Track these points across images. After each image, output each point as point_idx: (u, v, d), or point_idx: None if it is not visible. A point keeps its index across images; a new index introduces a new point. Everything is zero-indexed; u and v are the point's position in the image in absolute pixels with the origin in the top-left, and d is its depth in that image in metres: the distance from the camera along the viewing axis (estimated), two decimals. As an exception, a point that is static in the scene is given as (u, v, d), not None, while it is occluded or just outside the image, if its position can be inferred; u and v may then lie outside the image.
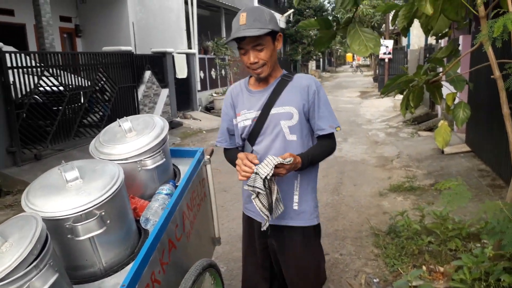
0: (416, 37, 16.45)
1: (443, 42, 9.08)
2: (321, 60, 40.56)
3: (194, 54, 12.09)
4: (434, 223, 3.45)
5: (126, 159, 1.75)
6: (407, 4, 3.31)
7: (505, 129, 2.47)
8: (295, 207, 1.83)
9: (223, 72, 14.53)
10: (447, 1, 2.65)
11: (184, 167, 2.06)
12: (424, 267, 3.10)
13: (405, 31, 3.45)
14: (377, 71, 21.69)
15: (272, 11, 1.77)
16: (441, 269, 3.04)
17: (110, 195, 1.41)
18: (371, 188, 5.25)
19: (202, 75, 12.96)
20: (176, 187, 1.87)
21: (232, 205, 4.72)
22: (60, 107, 6.54)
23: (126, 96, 8.69)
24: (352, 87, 23.01)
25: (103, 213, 1.40)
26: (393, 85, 3.29)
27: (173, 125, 10.32)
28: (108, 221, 1.42)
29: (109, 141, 1.82)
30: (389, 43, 16.89)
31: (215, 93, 13.19)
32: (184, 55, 11.32)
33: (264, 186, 1.57)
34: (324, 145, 1.81)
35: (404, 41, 19.73)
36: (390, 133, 9.04)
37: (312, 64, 34.87)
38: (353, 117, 11.71)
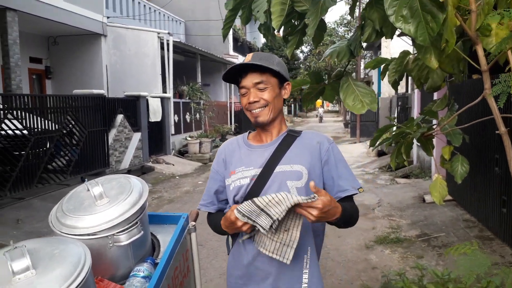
0: (387, 86, 16.84)
1: (416, 92, 9.24)
2: (292, 105, 41.39)
3: (169, 98, 11.88)
4: (434, 283, 3.19)
5: (94, 233, 1.42)
6: (397, 58, 3.23)
7: (492, 181, 2.30)
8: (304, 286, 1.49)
9: (198, 116, 14.34)
10: (444, 54, 2.54)
11: (165, 237, 1.74)
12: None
13: (396, 85, 3.36)
14: (347, 117, 22.07)
15: (282, 61, 1.61)
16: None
17: (71, 291, 1.08)
18: (356, 240, 4.99)
19: (176, 118, 12.70)
20: (155, 265, 1.54)
21: (209, 262, 4.34)
22: (23, 152, 6.07)
23: (96, 140, 8.29)
24: (324, 132, 23.21)
25: (61, 316, 1.06)
26: (384, 137, 3.15)
27: (144, 170, 9.89)
28: (68, 325, 1.08)
29: (74, 210, 1.49)
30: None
31: (189, 136, 12.91)
32: (159, 99, 11.09)
33: (271, 226, 1.29)
34: (352, 207, 1.51)
35: (375, 88, 20.29)
36: (367, 179, 8.93)
37: (284, 110, 35.67)
38: (330, 162, 11.60)
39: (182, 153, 12.41)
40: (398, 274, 3.32)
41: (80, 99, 7.84)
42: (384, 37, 2.64)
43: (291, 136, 1.58)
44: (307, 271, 1.49)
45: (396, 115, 12.14)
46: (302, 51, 29.95)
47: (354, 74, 23.45)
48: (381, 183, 8.45)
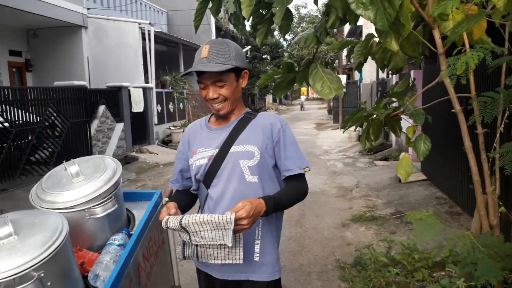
0: (368, 72, 17.10)
1: (394, 77, 9.47)
2: (277, 92, 41.50)
3: (151, 88, 11.90)
4: (401, 253, 3.42)
5: (72, 207, 1.56)
6: (363, 41, 3.39)
7: (460, 158, 2.49)
8: (256, 258, 1.60)
9: (181, 105, 14.38)
10: (405, 38, 2.70)
11: (140, 212, 1.89)
12: (392, 301, 3.03)
13: (360, 67, 3.52)
14: (331, 104, 22.34)
15: (239, 48, 1.63)
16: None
17: (50, 253, 1.23)
18: (333, 219, 5.21)
19: (159, 108, 12.73)
20: (130, 236, 1.69)
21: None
22: (5, 144, 6.11)
23: (78, 132, 8.33)
24: (307, 119, 23.53)
25: (42, 275, 1.20)
26: (352, 119, 3.31)
27: (128, 160, 9.96)
28: (49, 283, 1.23)
29: (52, 187, 1.63)
30: (343, 77, 17.52)
31: (173, 126, 12.98)
32: (141, 90, 11.10)
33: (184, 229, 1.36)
34: (293, 188, 1.60)
35: (356, 75, 20.51)
36: (347, 163, 9.16)
37: (269, 98, 35.67)
38: (311, 148, 11.83)
39: (166, 142, 12.49)
40: (367, 247, 3.54)
41: (61, 91, 7.86)
42: (348, 23, 2.79)
43: (247, 118, 1.66)
44: (258, 241, 1.59)
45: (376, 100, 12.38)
46: (285, 39, 29.98)
47: (336, 61, 23.66)
48: (360, 166, 8.69)
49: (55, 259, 1.25)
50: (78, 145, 8.33)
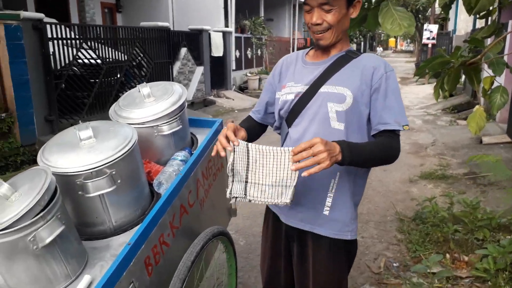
0: (463, 22, 15.58)
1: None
2: (362, 43, 39.47)
3: (230, 32, 12.04)
4: (463, 211, 3.32)
5: (143, 123, 1.76)
6: (449, -21, 3.12)
7: None
8: (326, 212, 1.47)
9: (259, 52, 14.42)
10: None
11: (203, 137, 2.06)
12: (448, 255, 3.01)
13: (447, 9, 3.26)
14: (420, 57, 20.87)
15: None
16: (466, 258, 2.94)
17: (121, 155, 1.43)
18: (402, 174, 5.11)
19: (237, 54, 12.91)
20: (192, 154, 1.87)
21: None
22: (97, 80, 6.71)
23: (162, 72, 8.80)
24: (392, 73, 22.30)
25: (113, 172, 1.41)
26: (428, 67, 3.14)
27: (206, 103, 10.41)
28: (119, 181, 1.44)
29: (128, 105, 1.84)
30: (434, 27, 16.18)
31: (250, 73, 13.15)
32: (221, 34, 11.29)
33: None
34: (381, 144, 1.38)
35: (450, 26, 18.81)
36: (427, 120, 8.73)
37: (352, 47, 34.13)
38: (390, 102, 11.36)
39: (242, 88, 12.76)
40: (429, 200, 3.47)
41: (146, 31, 8.28)
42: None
43: (348, 57, 1.47)
44: (331, 195, 1.46)
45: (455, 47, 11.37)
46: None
47: (429, 10, 21.75)
48: (440, 124, 8.24)
49: (125, 161, 1.46)
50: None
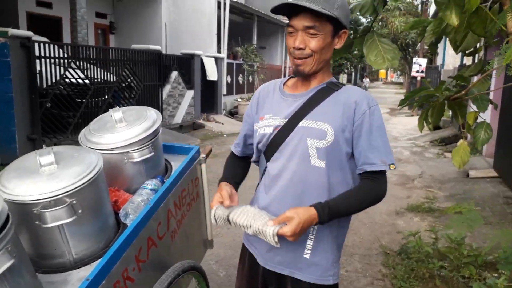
0: (451, 57, 15.94)
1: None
2: (353, 74, 40.11)
3: (222, 58, 12.13)
4: (448, 247, 3.25)
5: (112, 149, 1.68)
6: (436, 20, 3.15)
7: None
8: (306, 255, 1.39)
9: (250, 78, 14.53)
10: (475, 14, 2.48)
11: (177, 164, 1.98)
12: (433, 293, 2.91)
13: (433, 47, 3.29)
14: (410, 89, 21.23)
15: (346, 2, 1.37)
16: (451, 297, 2.84)
17: (83, 184, 1.34)
18: (388, 206, 5.03)
19: (229, 79, 12.98)
20: (163, 183, 1.78)
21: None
22: (84, 100, 6.63)
23: (151, 94, 8.77)
24: (382, 103, 22.60)
25: (74, 202, 1.32)
26: (412, 97, 3.14)
27: (195, 127, 10.35)
28: (80, 211, 1.35)
29: (98, 129, 1.76)
30: (423, 61, 16.50)
31: (240, 98, 13.19)
32: (213, 59, 11.36)
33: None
34: (363, 192, 1.33)
35: (439, 60, 19.22)
36: (415, 152, 8.74)
37: (343, 78, 34.51)
38: (379, 133, 11.44)
39: (232, 113, 12.76)
40: (413, 234, 3.40)
41: (138, 53, 8.28)
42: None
43: (329, 90, 1.39)
44: (312, 237, 1.39)
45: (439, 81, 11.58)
46: (365, 17, 28.78)
47: (419, 45, 22.27)
48: (428, 156, 8.25)
49: (87, 190, 1.37)
50: (152, 107, 8.79)
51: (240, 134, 1.62)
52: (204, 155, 2.07)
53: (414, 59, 17.11)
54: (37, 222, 1.32)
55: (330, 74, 1.45)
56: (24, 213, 1.31)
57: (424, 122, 3.22)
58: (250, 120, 1.57)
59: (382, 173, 1.35)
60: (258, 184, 1.56)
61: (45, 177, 1.33)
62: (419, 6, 23.81)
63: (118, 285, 1.41)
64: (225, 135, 10.05)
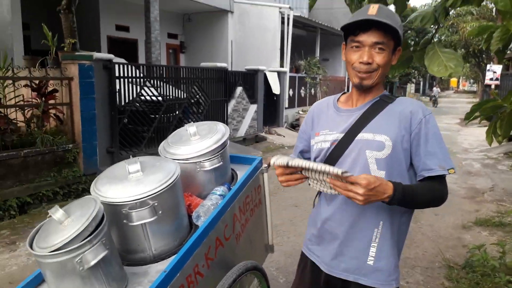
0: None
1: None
2: (421, 83, 38.58)
3: (285, 72, 12.37)
4: (517, 262, 3.12)
5: (187, 159, 1.91)
6: (503, 26, 3.09)
7: None
8: (370, 262, 1.45)
9: (312, 90, 14.61)
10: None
11: (242, 173, 2.17)
12: (500, 309, 2.83)
13: (501, 55, 3.22)
14: (483, 98, 20.00)
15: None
16: (520, 314, 2.74)
17: (163, 188, 1.57)
18: (454, 220, 4.88)
19: (291, 92, 13.18)
20: (230, 189, 1.98)
21: (301, 221, 4.74)
22: (157, 115, 7.16)
23: (217, 109, 9.19)
24: (452, 114, 21.53)
25: (155, 204, 1.56)
26: (480, 110, 3.08)
27: (257, 139, 10.64)
28: (160, 212, 1.58)
29: (175, 142, 2.01)
30: (497, 68, 15.51)
31: (302, 111, 13.31)
32: (276, 73, 11.64)
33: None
34: (431, 189, 1.38)
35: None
36: (487, 164, 8.28)
37: (411, 87, 33.21)
38: (448, 145, 10.82)
39: (294, 126, 12.89)
40: (478, 248, 3.30)
41: (206, 71, 8.76)
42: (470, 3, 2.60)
43: (383, 102, 1.45)
44: (375, 244, 1.45)
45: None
46: (402, 18, 27.46)
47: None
48: (501, 169, 7.80)
49: (167, 194, 1.60)
50: (219, 120, 9.21)
51: (296, 149, 1.70)
52: (266, 165, 2.25)
53: (488, 66, 16.14)
54: (124, 221, 1.57)
55: (383, 88, 1.53)
56: (115, 213, 1.56)
57: (493, 135, 3.15)
58: (306, 136, 1.63)
59: (442, 178, 1.39)
60: (317, 196, 1.64)
61: (133, 182, 1.58)
62: (494, 10, 22.50)
63: (190, 278, 1.62)
64: (286, 147, 10.22)
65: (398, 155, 1.39)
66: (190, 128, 2.01)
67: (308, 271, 1.63)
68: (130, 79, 6.62)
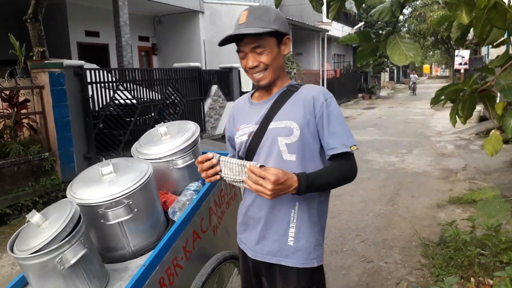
0: (496, 50, 15.28)
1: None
2: (395, 71, 39.25)
3: (259, 68, 12.44)
4: (486, 234, 3.29)
5: (159, 158, 1.97)
6: (460, 15, 3.23)
7: None
8: (290, 242, 1.51)
9: (288, 84, 14.74)
10: (493, 9, 2.57)
11: (216, 168, 2.24)
12: (472, 279, 2.99)
13: (461, 41, 3.37)
14: (454, 82, 20.51)
15: (280, 12, 1.53)
16: (490, 281, 2.91)
17: (137, 187, 1.63)
18: (429, 200, 5.06)
19: (267, 88, 13.26)
20: (204, 184, 2.05)
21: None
22: (132, 118, 7.14)
23: (194, 109, 9.20)
24: (425, 99, 22.02)
25: (130, 202, 1.62)
26: (444, 94, 3.23)
27: (237, 136, 10.70)
28: (136, 210, 1.64)
29: (147, 143, 2.07)
30: (466, 53, 15.98)
31: (280, 105, 13.44)
32: (250, 69, 11.67)
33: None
34: (337, 168, 1.45)
35: (484, 50, 18.48)
36: (459, 145, 8.57)
37: (385, 76, 33.72)
38: (422, 129, 11.27)
39: (273, 120, 13.00)
40: (449, 224, 3.46)
41: (179, 71, 8.75)
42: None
43: (289, 92, 1.54)
44: (293, 225, 1.50)
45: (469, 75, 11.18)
46: (403, 14, 28.04)
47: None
48: (473, 149, 8.07)
49: (141, 192, 1.66)
50: (193, 121, 9.22)
51: (231, 154, 1.75)
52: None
53: (456, 52, 16.60)
54: (102, 221, 1.62)
55: (288, 79, 1.61)
56: (92, 214, 1.62)
57: (457, 116, 3.30)
58: (230, 133, 1.70)
59: (349, 155, 1.46)
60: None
61: (107, 184, 1.64)
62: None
63: (169, 271, 1.69)
64: (266, 142, 10.33)
65: (307, 139, 1.47)
66: (161, 128, 2.07)
67: (242, 259, 1.70)
68: (102, 84, 6.59)
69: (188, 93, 8.96)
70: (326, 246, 3.78)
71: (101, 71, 6.57)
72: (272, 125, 1.50)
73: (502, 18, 2.80)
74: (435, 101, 3.35)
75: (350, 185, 5.60)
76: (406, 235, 4.05)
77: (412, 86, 26.65)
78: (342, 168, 1.45)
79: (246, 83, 11.35)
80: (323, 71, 18.43)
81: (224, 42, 1.51)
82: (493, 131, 3.10)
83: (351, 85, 21.50)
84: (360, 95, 22.43)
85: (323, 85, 18.40)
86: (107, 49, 11.78)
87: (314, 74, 17.84)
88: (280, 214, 1.51)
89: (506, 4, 2.59)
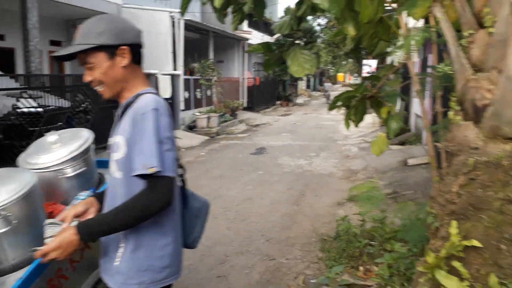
0: (401, 56, 16.78)
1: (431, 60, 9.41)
2: (311, 80, 41.16)
3: (179, 75, 12.42)
4: (374, 227, 3.68)
5: (47, 167, 1.98)
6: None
7: None
8: (117, 262, 1.46)
9: (208, 92, 14.86)
10: (379, 24, 2.90)
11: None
12: (361, 268, 3.32)
13: (357, 52, 3.73)
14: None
15: (115, 21, 1.46)
16: (376, 268, 3.26)
17: (16, 199, 1.62)
18: (332, 199, 5.48)
19: (186, 95, 13.26)
20: (95, 193, 2.09)
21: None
22: (37, 128, 6.77)
23: (107, 116, 8.94)
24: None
25: (8, 214, 1.61)
26: (340, 100, 3.55)
27: (155, 144, 10.56)
28: (15, 222, 1.63)
29: (35, 152, 2.06)
30: (373, 62, 17.36)
31: (199, 112, 13.47)
32: (169, 77, 11.62)
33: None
34: (135, 198, 1.35)
35: (390, 59, 20.13)
36: (363, 147, 9.30)
37: (302, 84, 35.19)
38: (331, 133, 12.07)
39: (191, 127, 13.01)
40: (342, 219, 3.82)
41: (91, 78, 8.45)
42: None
43: (129, 103, 1.46)
44: (123, 245, 1.46)
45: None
46: (319, 24, 29.47)
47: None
48: (375, 151, 8.82)
49: (21, 204, 1.65)
50: (106, 129, 8.89)
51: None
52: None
53: (364, 61, 17.97)
54: (-23, 233, 1.60)
55: (140, 87, 1.49)
56: (-31, 226, 1.59)
57: (350, 120, 3.64)
58: None
59: (155, 178, 1.32)
60: None
61: (-16, 195, 1.62)
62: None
63: (52, 282, 1.71)
64: (183, 149, 10.31)
65: (130, 155, 1.38)
66: (50, 136, 2.08)
67: None
68: (5, 91, 6.18)
69: (101, 101, 8.68)
70: (233, 248, 3.95)
71: (3, 77, 6.16)
72: (111, 139, 1.48)
73: (387, 32, 3.19)
74: (332, 106, 3.68)
75: (260, 188, 5.93)
76: (307, 232, 4.36)
77: (326, 94, 28.28)
78: (142, 197, 1.34)
79: (165, 89, 11.27)
80: (243, 78, 18.82)
81: (61, 58, 1.49)
82: (379, 133, 3.50)
83: (270, 93, 22.16)
84: (278, 102, 23.20)
85: (243, 92, 18.79)
86: (13, 53, 10.99)
87: (234, 81, 18.16)
88: (111, 235, 1.44)
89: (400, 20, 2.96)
